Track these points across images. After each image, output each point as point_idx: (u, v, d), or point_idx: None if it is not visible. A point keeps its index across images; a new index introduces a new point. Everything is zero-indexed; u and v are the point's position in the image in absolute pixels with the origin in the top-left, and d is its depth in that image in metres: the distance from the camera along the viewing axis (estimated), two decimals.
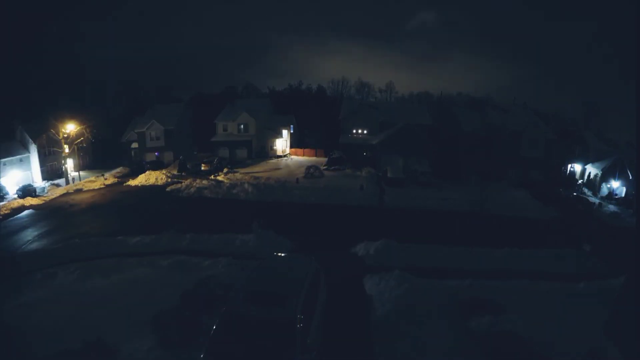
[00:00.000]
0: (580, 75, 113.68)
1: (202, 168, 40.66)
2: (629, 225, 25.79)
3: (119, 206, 27.16)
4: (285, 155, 49.47)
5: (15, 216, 25.86)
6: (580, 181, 41.54)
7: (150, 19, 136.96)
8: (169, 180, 35.93)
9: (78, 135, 39.79)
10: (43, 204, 29.50)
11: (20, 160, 39.11)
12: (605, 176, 38.24)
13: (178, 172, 40.49)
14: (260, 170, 39.64)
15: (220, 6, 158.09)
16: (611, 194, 36.99)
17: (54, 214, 26.09)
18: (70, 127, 38.87)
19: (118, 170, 45.85)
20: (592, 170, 40.61)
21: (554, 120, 64.72)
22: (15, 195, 31.97)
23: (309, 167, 35.89)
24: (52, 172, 42.11)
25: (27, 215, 26.10)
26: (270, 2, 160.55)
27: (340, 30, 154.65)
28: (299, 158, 48.35)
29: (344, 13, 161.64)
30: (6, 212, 26.67)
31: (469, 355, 9.19)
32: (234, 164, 43.01)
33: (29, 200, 29.86)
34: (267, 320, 7.00)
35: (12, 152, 38.47)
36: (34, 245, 19.12)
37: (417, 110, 46.91)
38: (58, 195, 32.63)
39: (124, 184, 36.04)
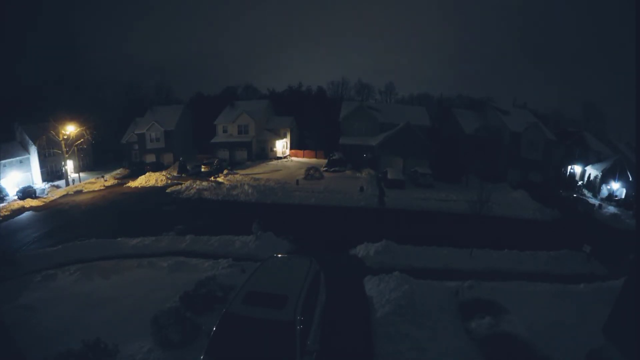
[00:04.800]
0: (580, 76, 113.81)
1: (202, 169, 40.64)
2: (629, 226, 25.76)
3: (119, 208, 27.15)
4: (285, 157, 49.48)
5: (15, 217, 25.85)
6: (580, 182, 41.53)
7: (150, 20, 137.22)
8: (169, 181, 35.94)
9: (78, 137, 39.83)
10: (43, 205, 29.51)
11: (20, 161, 39.14)
12: (605, 177, 38.23)
13: (178, 173, 40.50)
14: (260, 171, 39.65)
15: (220, 6, 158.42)
16: (611, 195, 36.99)
17: (54, 215, 26.08)
18: (70, 129, 38.91)
19: (118, 171, 45.84)
20: (592, 171, 40.61)
21: (553, 121, 64.81)
22: (15, 197, 31.96)
23: (309, 169, 35.89)
24: (52, 173, 42.14)
25: (27, 217, 26.10)
26: (271, 3, 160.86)
27: (341, 30, 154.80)
28: (299, 159, 48.34)
29: (345, 13, 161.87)
30: (6, 213, 26.65)
31: (469, 356, 9.19)
32: (233, 166, 43.03)
33: (29, 202, 29.86)
34: (267, 322, 7.00)
35: (12, 153, 38.51)
36: (34, 247, 19.11)
37: (417, 112, 46.91)
38: (58, 196, 32.64)
39: (124, 186, 36.06)
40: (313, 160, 46.56)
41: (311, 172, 35.06)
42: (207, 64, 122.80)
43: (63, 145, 38.84)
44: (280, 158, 48.82)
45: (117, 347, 8.58)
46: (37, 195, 32.51)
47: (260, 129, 49.15)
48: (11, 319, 10.06)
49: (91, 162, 50.79)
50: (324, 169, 37.98)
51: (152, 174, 38.34)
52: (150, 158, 48.78)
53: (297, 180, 33.17)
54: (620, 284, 11.32)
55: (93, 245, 17.54)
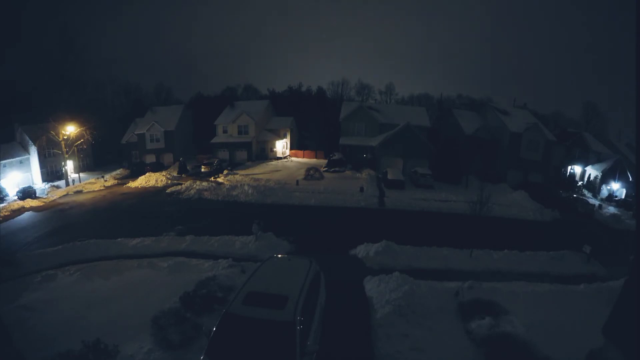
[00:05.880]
0: (580, 76, 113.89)
1: (202, 170, 40.72)
2: (629, 227, 25.77)
3: (119, 208, 27.14)
4: (285, 157, 49.50)
5: (15, 218, 25.84)
6: (580, 183, 41.55)
7: (151, 21, 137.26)
8: (169, 182, 35.92)
9: (78, 137, 39.86)
10: (43, 205, 29.50)
11: (20, 162, 39.19)
12: (605, 178, 38.27)
13: (178, 173, 40.51)
14: (260, 172, 39.66)
15: (220, 7, 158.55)
16: (611, 195, 37.01)
17: (54, 215, 26.08)
18: (70, 129, 38.93)
19: (118, 171, 45.93)
20: (592, 172, 40.65)
21: (553, 122, 64.86)
22: (15, 197, 32.00)
23: (309, 169, 35.90)
24: (52, 173, 42.19)
25: (27, 217, 26.08)
26: (271, 3, 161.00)
27: (341, 30, 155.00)
28: (299, 160, 48.37)
29: (346, 14, 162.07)
30: (6, 213, 26.65)
31: (469, 357, 9.18)
32: (234, 166, 43.07)
33: (29, 202, 29.85)
34: (267, 322, 7.00)
35: (12, 153, 38.57)
36: (34, 247, 19.09)
37: (417, 112, 46.94)
38: (58, 197, 32.64)
39: (124, 186, 36.05)
40: (313, 161, 46.59)
41: (311, 173, 35.07)
42: (207, 64, 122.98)
43: (63, 146, 38.86)
44: (280, 158, 48.84)
45: (117, 347, 8.57)
46: (37, 195, 32.54)
47: (260, 130, 49.18)
48: (11, 319, 10.05)
49: (91, 163, 50.85)
50: (324, 169, 37.97)
51: (152, 174, 38.33)
52: (151, 158, 48.84)
53: (297, 181, 33.17)
54: (620, 284, 11.30)
55: (93, 245, 17.52)
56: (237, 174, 38.23)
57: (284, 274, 8.91)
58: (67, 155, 39.33)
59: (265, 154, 49.18)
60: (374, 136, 42.26)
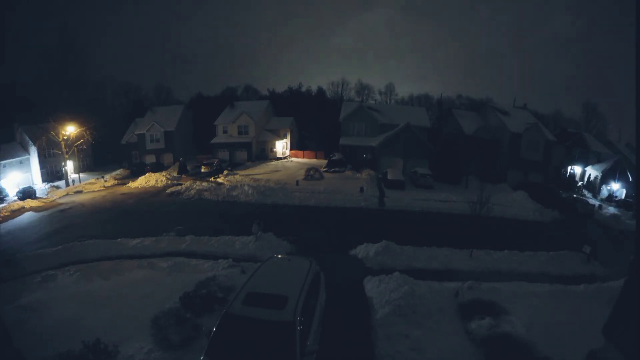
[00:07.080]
0: (580, 76, 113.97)
1: (202, 170, 40.73)
2: (629, 227, 25.77)
3: (119, 208, 27.14)
4: (285, 157, 49.50)
5: (15, 218, 25.84)
6: (580, 183, 41.54)
7: (151, 21, 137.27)
8: (169, 182, 35.90)
9: (78, 137, 39.86)
10: (43, 206, 29.48)
11: (20, 162, 39.19)
12: (605, 178, 38.27)
13: (178, 174, 40.49)
14: (260, 172, 39.65)
15: (220, 7, 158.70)
16: (611, 195, 37.00)
17: (54, 216, 26.07)
18: (70, 129, 38.92)
19: (118, 172, 45.91)
20: (592, 172, 40.64)
21: (553, 122, 64.90)
22: (15, 197, 31.98)
23: (308, 169, 35.89)
24: (52, 174, 42.20)
25: (27, 218, 26.08)
26: (272, 3, 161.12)
27: (341, 31, 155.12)
28: (299, 160, 48.38)
29: (346, 14, 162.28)
30: (6, 214, 26.65)
31: (469, 357, 9.18)
32: (234, 166, 43.08)
33: (29, 202, 29.85)
34: (267, 323, 7.01)
35: (12, 154, 38.58)
36: (34, 248, 19.07)
37: (417, 112, 46.94)
38: (58, 197, 32.63)
39: (124, 186, 36.04)
40: (313, 161, 46.60)
41: (311, 173, 35.06)
42: (207, 64, 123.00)
43: (63, 146, 38.86)
44: (280, 159, 48.84)
45: (117, 347, 8.57)
46: (37, 195, 32.53)
47: (260, 130, 49.19)
48: (11, 319, 10.05)
49: (91, 163, 50.86)
50: (324, 169, 37.97)
51: (152, 174, 38.31)
52: (150, 159, 48.84)
53: (297, 181, 33.17)
54: (620, 284, 11.29)
55: (93, 245, 17.52)
56: (237, 174, 38.22)
57: (284, 274, 8.91)
58: (67, 156, 39.31)
59: (265, 154, 49.19)
60: (374, 136, 42.24)
